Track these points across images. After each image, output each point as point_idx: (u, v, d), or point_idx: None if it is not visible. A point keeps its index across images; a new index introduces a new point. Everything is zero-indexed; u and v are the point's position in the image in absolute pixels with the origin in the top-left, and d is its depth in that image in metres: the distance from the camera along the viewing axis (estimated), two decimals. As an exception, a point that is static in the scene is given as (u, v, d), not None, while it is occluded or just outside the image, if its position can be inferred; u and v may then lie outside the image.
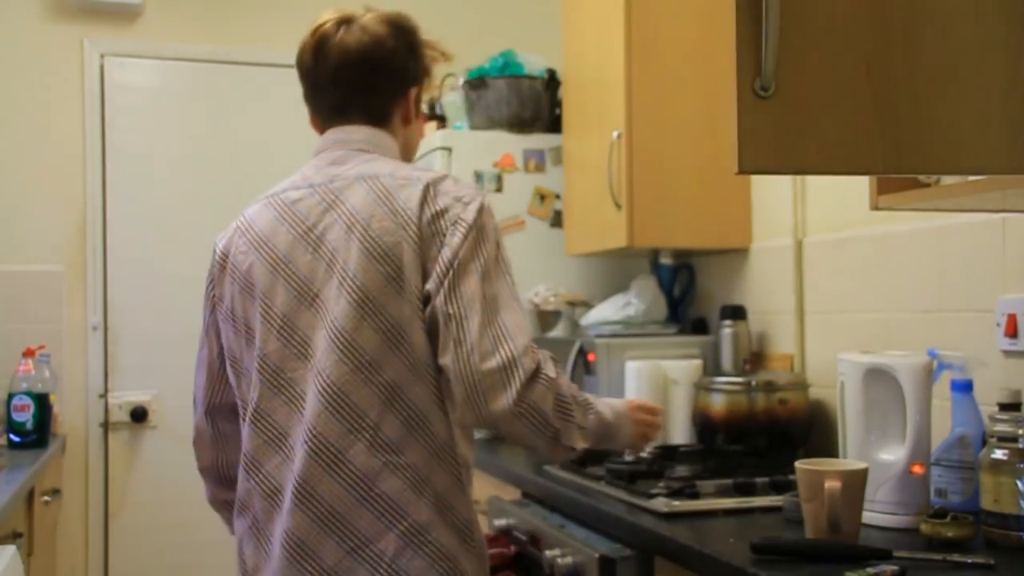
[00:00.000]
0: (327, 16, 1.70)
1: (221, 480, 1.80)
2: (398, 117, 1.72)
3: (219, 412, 1.74)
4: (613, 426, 1.65)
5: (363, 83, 1.67)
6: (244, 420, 1.62)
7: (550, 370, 1.52)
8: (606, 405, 1.66)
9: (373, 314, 1.51)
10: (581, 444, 1.55)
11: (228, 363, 1.67)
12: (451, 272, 1.50)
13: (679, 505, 1.89)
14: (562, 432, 1.52)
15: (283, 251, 1.60)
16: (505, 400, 1.46)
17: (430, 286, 1.51)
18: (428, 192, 1.55)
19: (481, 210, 1.56)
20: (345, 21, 1.69)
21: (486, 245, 1.54)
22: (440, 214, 1.54)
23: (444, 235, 1.53)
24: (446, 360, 1.49)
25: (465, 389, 1.47)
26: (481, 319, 1.49)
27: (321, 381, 1.52)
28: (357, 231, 1.54)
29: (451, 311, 1.49)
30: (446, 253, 1.51)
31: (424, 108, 1.86)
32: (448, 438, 1.55)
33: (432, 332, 1.51)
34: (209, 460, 1.79)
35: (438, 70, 1.85)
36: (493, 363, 1.47)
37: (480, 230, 1.54)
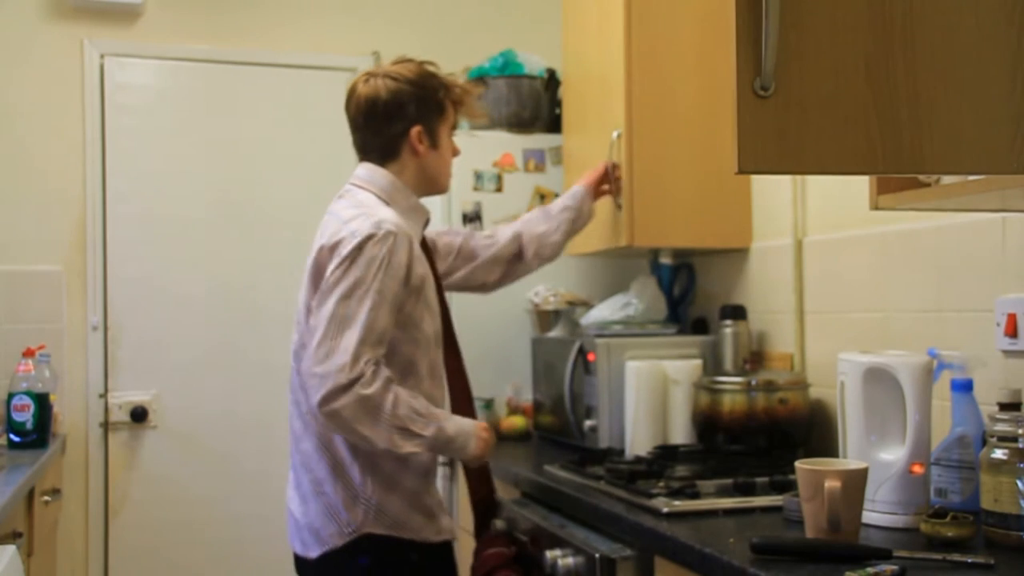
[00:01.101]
0: (362, 72, 2.18)
1: None
2: (406, 152, 2.13)
3: None
4: (454, 439, 2.00)
5: (368, 127, 2.13)
6: None
7: (369, 389, 1.88)
8: (453, 423, 2.02)
9: (300, 319, 2.05)
10: (410, 449, 1.94)
11: None
12: (321, 292, 1.94)
13: (679, 505, 1.89)
14: (374, 438, 1.90)
15: (308, 261, 2.06)
16: (314, 400, 1.88)
17: (312, 301, 1.98)
18: (336, 227, 1.99)
19: (363, 242, 1.93)
20: (369, 76, 2.13)
21: (355, 271, 1.92)
22: (335, 245, 1.96)
23: (331, 263, 1.95)
24: (302, 370, 1.98)
25: (303, 385, 1.99)
26: (324, 333, 1.90)
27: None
28: (312, 256, 2.03)
29: (312, 323, 1.95)
30: (326, 277, 1.94)
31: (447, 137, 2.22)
32: None
33: None
34: None
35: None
36: (317, 369, 1.89)
37: (354, 259, 1.92)
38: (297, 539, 2.10)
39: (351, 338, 1.89)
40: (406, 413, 1.93)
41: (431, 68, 2.18)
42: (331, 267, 1.94)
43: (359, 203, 2.06)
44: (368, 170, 2.14)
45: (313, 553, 2.03)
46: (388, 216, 2.01)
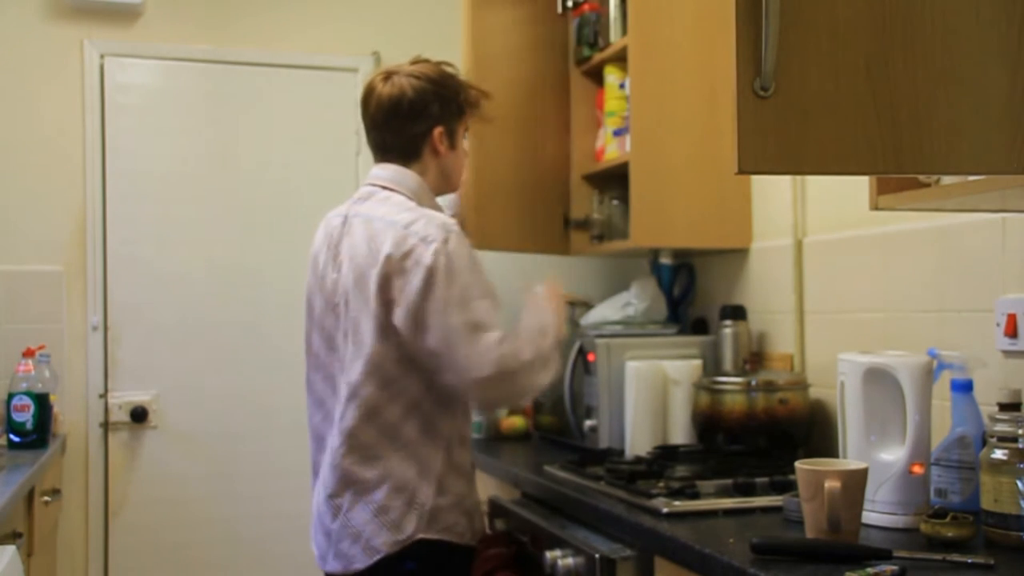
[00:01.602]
0: (379, 70, 2.17)
1: None
2: (427, 152, 2.14)
3: None
4: (553, 325, 2.10)
5: (389, 127, 2.11)
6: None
7: (523, 356, 1.97)
8: (539, 318, 2.10)
9: (354, 329, 2.00)
10: (557, 358, 2.07)
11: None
12: (421, 310, 1.91)
13: (679, 505, 1.89)
14: (548, 377, 2.03)
15: (321, 267, 2.10)
16: (504, 399, 2.05)
17: (401, 320, 1.93)
18: (399, 234, 1.96)
19: (439, 250, 1.93)
20: (389, 75, 2.13)
21: (458, 278, 1.93)
22: (406, 255, 1.94)
23: (409, 273, 1.93)
24: (449, 380, 1.97)
25: (475, 400, 2.05)
26: (464, 344, 1.91)
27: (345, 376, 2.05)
28: (354, 262, 2.00)
29: (434, 346, 1.93)
30: (410, 292, 1.92)
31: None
32: (395, 424, 1.99)
33: (422, 361, 1.97)
34: None
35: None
36: (484, 373, 1.93)
37: (441, 269, 1.92)
38: (332, 556, 2.03)
39: (490, 339, 1.93)
40: (535, 345, 2.02)
41: (450, 69, 2.19)
42: (412, 280, 1.92)
43: (403, 205, 2.05)
44: (393, 171, 2.13)
45: (360, 564, 1.99)
46: (441, 215, 2.05)
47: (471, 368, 1.92)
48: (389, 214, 2.02)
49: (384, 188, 2.10)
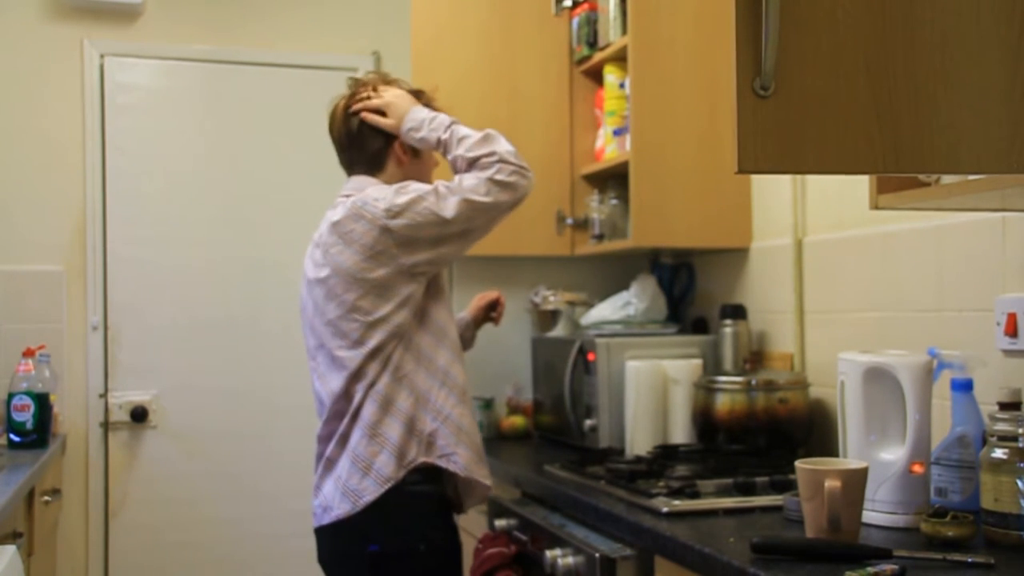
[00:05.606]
0: (343, 95, 2.29)
1: None
2: (391, 163, 2.25)
3: None
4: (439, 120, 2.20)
5: (351, 145, 2.26)
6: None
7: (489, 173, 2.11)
8: (418, 115, 2.21)
9: (322, 309, 2.13)
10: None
11: None
12: (411, 240, 2.06)
13: (679, 505, 1.90)
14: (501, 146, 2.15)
15: (311, 274, 2.17)
16: (508, 194, 2.11)
17: (408, 257, 2.06)
18: (357, 208, 2.09)
19: (398, 194, 2.07)
20: (348, 98, 2.27)
21: (418, 205, 2.06)
22: (359, 209, 2.07)
23: (377, 213, 2.06)
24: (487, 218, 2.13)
25: (505, 193, 2.12)
26: (478, 197, 2.08)
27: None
28: (324, 257, 2.12)
29: (460, 226, 2.08)
30: (415, 224, 2.05)
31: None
32: (389, 356, 2.07)
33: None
34: None
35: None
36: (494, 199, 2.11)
37: (402, 208, 2.06)
38: (339, 499, 2.05)
39: (468, 179, 2.10)
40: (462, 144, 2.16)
41: (405, 87, 2.30)
42: (414, 210, 2.05)
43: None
44: (358, 181, 2.23)
45: (371, 496, 2.02)
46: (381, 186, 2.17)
47: (451, 205, 2.07)
48: (344, 201, 2.15)
49: (349, 196, 2.18)
